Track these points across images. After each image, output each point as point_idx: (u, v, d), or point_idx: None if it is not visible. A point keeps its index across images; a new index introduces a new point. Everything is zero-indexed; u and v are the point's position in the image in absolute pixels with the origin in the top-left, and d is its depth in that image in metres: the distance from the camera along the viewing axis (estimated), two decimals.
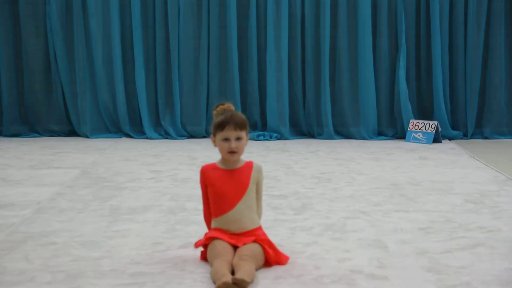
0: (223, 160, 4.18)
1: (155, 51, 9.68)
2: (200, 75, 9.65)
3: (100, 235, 4.77)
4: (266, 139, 9.44)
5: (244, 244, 4.05)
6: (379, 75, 9.68)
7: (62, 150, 8.56)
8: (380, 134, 9.77)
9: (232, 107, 4.23)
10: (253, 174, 4.17)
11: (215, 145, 4.15)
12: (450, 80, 9.74)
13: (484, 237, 4.72)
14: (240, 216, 4.13)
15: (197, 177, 6.67)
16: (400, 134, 9.68)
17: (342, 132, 9.74)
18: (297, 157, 8.02)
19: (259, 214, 4.24)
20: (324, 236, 4.73)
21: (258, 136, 9.49)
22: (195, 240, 4.61)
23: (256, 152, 8.36)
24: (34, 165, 7.48)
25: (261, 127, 9.75)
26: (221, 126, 4.08)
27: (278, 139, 9.54)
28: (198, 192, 6.01)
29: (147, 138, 9.57)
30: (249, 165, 4.19)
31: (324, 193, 6.10)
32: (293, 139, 9.58)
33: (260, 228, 4.20)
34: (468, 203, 5.74)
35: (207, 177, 4.18)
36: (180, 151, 8.47)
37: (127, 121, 9.69)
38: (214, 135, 4.13)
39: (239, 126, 4.08)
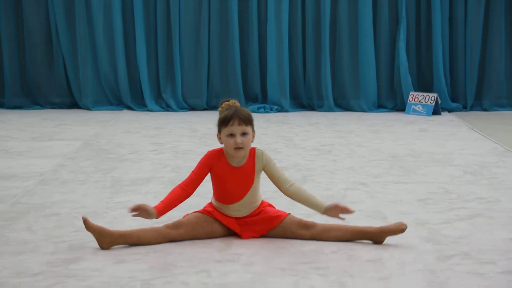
0: (230, 155, 4.09)
1: (156, 24, 9.68)
2: (201, 47, 9.65)
3: (102, 206, 4.80)
4: (266, 112, 9.46)
5: (252, 237, 4.08)
6: (379, 47, 9.69)
7: (64, 122, 8.59)
8: (380, 106, 9.79)
9: (237, 104, 4.11)
10: (257, 165, 4.08)
11: (221, 142, 4.08)
12: (450, 52, 9.74)
13: (482, 208, 4.76)
14: (243, 206, 4.09)
15: (198, 149, 6.73)
16: (400, 106, 9.70)
17: (342, 104, 9.76)
18: (297, 130, 8.04)
19: (295, 187, 4.09)
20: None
21: (259, 108, 9.51)
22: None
23: (256, 125, 8.29)
24: (36, 137, 7.52)
25: (261, 100, 9.77)
26: (225, 122, 4.00)
27: (278, 111, 9.56)
28: None
29: (148, 110, 9.60)
30: (252, 155, 4.09)
31: (324, 165, 6.13)
32: (294, 111, 9.60)
33: (260, 205, 4.16)
34: (467, 174, 5.78)
35: (214, 165, 4.09)
36: (181, 124, 8.49)
37: (128, 94, 9.71)
38: (219, 132, 4.06)
39: (244, 121, 4.01)
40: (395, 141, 7.32)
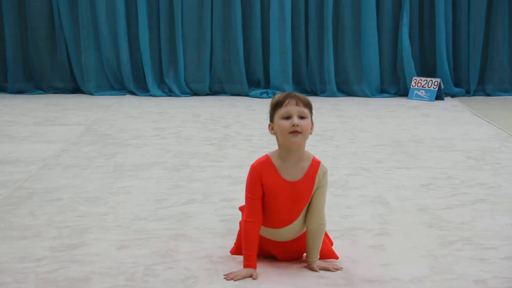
0: (283, 154, 3.37)
1: (158, 8, 9.66)
2: (204, 32, 9.63)
3: (105, 191, 4.81)
4: (269, 97, 9.45)
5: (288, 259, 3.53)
6: (382, 32, 9.66)
7: (66, 107, 8.59)
8: (382, 91, 9.77)
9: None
10: (316, 181, 3.38)
11: (273, 133, 3.37)
12: (453, 37, 9.72)
13: (485, 193, 4.76)
14: (293, 230, 3.46)
15: (200, 134, 6.73)
16: (402, 91, 9.69)
17: (345, 89, 9.75)
18: None
19: (321, 226, 3.42)
20: (327, 193, 4.76)
21: (262, 93, 9.50)
22: (198, 196, 4.66)
23: (259, 110, 8.38)
24: (39, 122, 7.52)
25: (264, 85, 9.75)
26: (279, 103, 3.31)
27: None
28: (201, 149, 6.06)
29: (151, 95, 9.59)
30: (314, 168, 3.38)
31: (327, 150, 6.13)
32: None
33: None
34: (469, 159, 5.78)
35: (263, 179, 3.35)
36: (183, 109, 8.49)
37: (131, 79, 9.70)
38: (272, 120, 3.36)
39: (302, 101, 3.32)
40: (398, 126, 7.31)
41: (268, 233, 3.46)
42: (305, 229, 3.46)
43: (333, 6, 9.55)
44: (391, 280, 3.25)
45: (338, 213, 4.30)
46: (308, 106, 3.34)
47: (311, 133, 3.36)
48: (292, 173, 3.36)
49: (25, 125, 7.32)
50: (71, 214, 4.29)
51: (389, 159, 5.80)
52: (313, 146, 6.23)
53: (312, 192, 3.39)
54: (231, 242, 3.77)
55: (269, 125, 3.39)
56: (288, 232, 3.46)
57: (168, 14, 9.65)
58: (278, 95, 3.37)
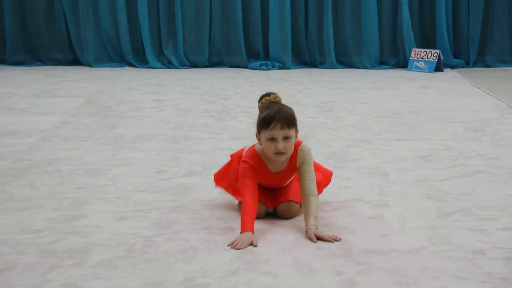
0: (267, 158, 3.68)
1: None
2: (203, 3, 9.60)
3: (105, 163, 4.82)
4: (268, 69, 9.43)
5: (280, 203, 3.78)
6: (381, 4, 9.63)
7: (65, 79, 8.58)
8: (382, 63, 9.76)
9: (279, 98, 3.68)
10: (298, 164, 3.68)
11: (260, 144, 3.64)
12: (453, 8, 9.69)
13: (484, 165, 4.77)
14: (281, 189, 3.87)
15: (200, 107, 6.74)
16: (402, 63, 9.67)
17: (344, 61, 9.73)
18: (299, 87, 8.04)
19: (313, 196, 3.61)
20: (326, 165, 4.76)
21: (261, 65, 9.48)
22: (198, 168, 4.68)
23: (258, 82, 8.37)
24: (38, 93, 7.52)
25: (263, 57, 9.73)
26: (265, 124, 3.53)
27: (280, 68, 9.53)
28: (200, 121, 6.07)
29: (150, 67, 9.57)
30: (295, 156, 3.66)
31: (326, 122, 6.13)
32: (296, 68, 9.58)
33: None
34: (468, 131, 5.78)
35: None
36: (182, 81, 8.48)
37: (130, 50, 9.68)
38: (259, 133, 3.60)
39: (287, 123, 3.53)
40: (397, 98, 7.31)
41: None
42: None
43: None
44: (390, 251, 3.27)
45: (337, 185, 4.31)
46: (293, 124, 3.56)
47: (297, 132, 3.61)
48: (277, 166, 3.69)
49: (24, 96, 7.32)
50: (71, 185, 4.30)
51: (388, 131, 5.80)
52: (312, 118, 6.24)
53: (295, 172, 3.72)
54: (230, 213, 3.79)
55: (256, 135, 3.63)
56: (276, 191, 3.84)
57: None
58: (266, 112, 3.56)
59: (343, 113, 6.51)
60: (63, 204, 3.95)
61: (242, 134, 5.60)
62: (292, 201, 3.78)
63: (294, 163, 3.68)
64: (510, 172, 4.60)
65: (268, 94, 3.69)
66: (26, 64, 9.72)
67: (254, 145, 3.75)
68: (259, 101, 3.72)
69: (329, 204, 3.95)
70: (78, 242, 3.38)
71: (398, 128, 5.91)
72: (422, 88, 7.95)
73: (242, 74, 9.02)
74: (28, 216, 3.75)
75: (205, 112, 6.54)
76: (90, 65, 9.64)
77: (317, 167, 3.92)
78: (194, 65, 9.73)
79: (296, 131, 3.60)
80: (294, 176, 3.81)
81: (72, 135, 5.63)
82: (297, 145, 3.66)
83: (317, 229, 3.48)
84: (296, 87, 7.99)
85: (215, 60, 9.78)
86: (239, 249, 3.31)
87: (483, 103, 6.99)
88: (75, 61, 9.84)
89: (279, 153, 3.54)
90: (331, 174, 4.02)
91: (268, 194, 3.84)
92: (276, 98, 3.66)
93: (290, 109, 3.61)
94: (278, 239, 3.43)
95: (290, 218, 3.75)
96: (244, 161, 3.68)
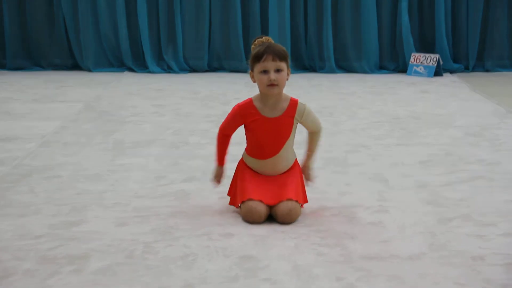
0: (263, 98, 3.82)
1: None
2: (202, 8, 9.61)
3: (104, 168, 4.82)
4: None
5: (280, 201, 3.77)
6: (381, 8, 9.64)
7: (65, 84, 8.58)
8: (381, 67, 9.76)
9: (271, 40, 3.84)
10: (296, 118, 3.83)
11: (254, 81, 3.82)
12: (452, 13, 9.69)
13: (483, 170, 4.77)
14: (279, 161, 3.87)
15: (200, 111, 6.74)
16: (401, 67, 9.68)
17: (344, 66, 9.74)
18: (299, 91, 8.03)
19: (309, 136, 4.00)
20: (326, 170, 4.78)
21: None
22: (197, 174, 4.67)
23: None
24: (37, 99, 7.52)
25: None
26: (258, 58, 3.73)
27: None
28: (201, 126, 6.07)
29: (149, 72, 9.58)
30: (292, 107, 3.82)
31: (326, 127, 6.11)
32: (295, 73, 9.58)
33: (295, 162, 3.97)
34: (468, 136, 5.78)
35: (247, 121, 3.86)
36: (182, 85, 8.49)
37: (129, 55, 9.69)
38: (252, 69, 3.79)
39: (278, 56, 3.72)
40: (397, 102, 7.31)
41: (255, 164, 3.92)
42: (290, 165, 3.91)
43: None
44: (389, 257, 3.27)
45: (336, 190, 4.31)
46: (284, 58, 3.75)
47: (287, 79, 3.78)
48: (272, 112, 3.81)
49: (24, 102, 7.32)
50: (71, 191, 4.30)
51: (388, 136, 5.80)
52: None
53: (293, 127, 3.85)
54: (230, 219, 3.79)
55: (250, 73, 3.83)
56: (273, 164, 3.88)
57: None
58: (258, 48, 3.77)
59: (343, 118, 6.51)
60: (62, 210, 3.95)
61: (242, 139, 5.57)
62: (292, 200, 3.77)
63: (292, 113, 3.82)
64: (510, 178, 4.60)
65: (260, 37, 3.87)
66: (25, 69, 9.73)
67: None
68: (252, 44, 3.87)
69: (328, 210, 3.94)
70: (77, 248, 3.38)
71: (398, 133, 5.91)
72: (422, 92, 7.95)
73: (242, 79, 9.02)
74: (27, 222, 3.75)
75: (205, 117, 6.54)
76: (89, 70, 9.65)
77: (303, 190, 3.96)
78: (194, 70, 9.74)
79: (288, 68, 3.78)
80: (291, 133, 3.86)
81: (71, 140, 5.63)
82: (295, 99, 3.85)
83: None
84: (296, 92, 7.98)
85: (215, 65, 9.79)
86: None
87: (483, 108, 6.99)
88: (75, 66, 9.84)
89: (271, 84, 3.72)
90: (306, 202, 3.96)
91: (267, 192, 3.84)
92: (268, 40, 3.83)
93: (281, 46, 3.80)
94: (278, 245, 3.43)
95: (291, 222, 3.74)
96: (234, 108, 3.92)
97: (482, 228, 3.66)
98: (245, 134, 3.94)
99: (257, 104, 3.84)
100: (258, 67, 3.74)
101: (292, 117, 3.82)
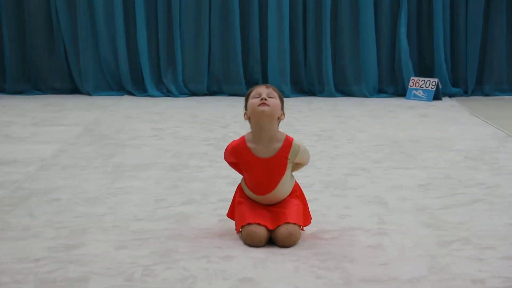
0: (256, 133, 3.79)
1: (156, 9, 9.65)
2: (202, 32, 9.63)
3: (103, 191, 4.82)
4: None
5: (280, 225, 3.75)
6: (380, 32, 9.67)
7: (64, 107, 8.59)
8: (380, 91, 9.78)
9: (271, 87, 3.85)
10: (290, 158, 3.80)
11: (246, 118, 3.82)
12: (451, 37, 9.72)
13: (483, 193, 4.77)
14: (275, 197, 3.86)
15: (199, 135, 6.74)
16: (400, 91, 9.68)
17: (343, 90, 9.75)
18: (298, 115, 8.05)
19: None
20: (325, 193, 4.78)
21: None
22: (197, 197, 4.67)
23: None
24: (37, 122, 7.52)
25: None
26: (251, 90, 3.81)
27: None
28: (199, 149, 6.07)
29: (149, 96, 9.59)
30: (286, 147, 3.78)
31: (325, 151, 6.13)
32: (294, 96, 9.59)
33: (294, 189, 3.94)
34: (467, 159, 5.78)
35: (239, 160, 3.84)
36: (182, 109, 8.50)
37: (129, 79, 9.70)
38: (246, 107, 3.80)
39: (271, 87, 3.79)
40: (396, 126, 7.32)
41: (253, 196, 3.89)
42: (288, 193, 3.89)
43: (331, 6, 9.55)
44: (389, 280, 3.26)
45: (336, 213, 4.31)
46: (277, 92, 3.79)
47: (282, 119, 3.81)
48: (265, 152, 3.78)
49: (23, 125, 7.33)
50: (70, 214, 4.30)
51: (387, 159, 5.80)
52: (311, 146, 6.24)
53: (286, 170, 3.80)
54: (229, 242, 3.78)
55: (244, 113, 3.83)
56: (270, 199, 3.87)
57: (166, 15, 9.65)
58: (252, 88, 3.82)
59: (342, 141, 6.52)
60: (62, 233, 3.95)
61: None
62: (290, 223, 3.76)
63: (286, 154, 3.78)
64: (509, 201, 4.60)
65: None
66: (25, 93, 9.73)
67: None
68: (248, 90, 3.90)
69: (328, 233, 3.94)
70: (76, 271, 3.37)
71: (397, 156, 5.91)
72: (421, 116, 7.96)
73: (241, 103, 8.89)
74: (26, 245, 3.74)
75: (204, 140, 6.54)
76: (89, 94, 9.65)
77: (304, 204, 3.96)
78: (193, 94, 9.75)
79: (282, 107, 3.80)
80: (286, 171, 3.82)
81: (71, 163, 5.63)
82: (290, 138, 3.81)
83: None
84: (295, 116, 7.99)
85: (214, 88, 9.80)
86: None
87: (482, 131, 7.00)
88: (74, 90, 9.85)
89: (263, 104, 3.70)
90: (311, 219, 3.99)
91: (267, 215, 3.84)
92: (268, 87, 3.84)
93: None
94: (277, 268, 3.42)
95: (291, 246, 3.73)
96: (227, 149, 3.89)
97: (482, 251, 3.66)
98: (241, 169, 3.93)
99: (250, 144, 3.81)
100: (251, 95, 3.78)
101: (286, 157, 3.79)
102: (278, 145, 3.79)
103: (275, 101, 3.75)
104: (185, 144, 6.37)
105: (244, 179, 3.93)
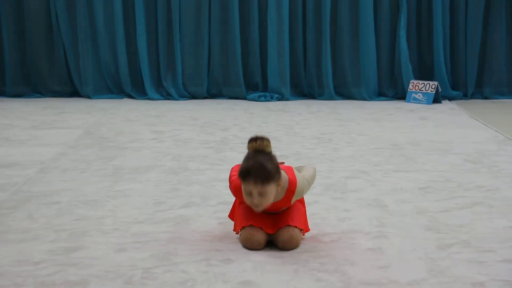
0: None
1: (156, 12, 9.65)
2: (201, 35, 9.64)
3: (103, 194, 4.82)
4: (267, 100, 9.45)
5: (280, 228, 3.76)
6: (380, 35, 9.67)
7: (64, 110, 8.59)
8: (380, 94, 9.78)
9: (267, 144, 3.59)
10: (293, 200, 3.76)
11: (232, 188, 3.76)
12: (450, 40, 9.72)
13: (482, 196, 4.77)
14: (278, 215, 3.86)
15: (199, 138, 6.74)
16: (400, 94, 9.69)
17: (343, 93, 9.75)
18: (298, 118, 8.05)
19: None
20: (325, 196, 4.78)
21: (259, 97, 9.50)
22: (197, 200, 4.67)
23: (257, 113, 8.38)
24: (37, 125, 7.52)
25: (262, 88, 9.75)
26: (242, 177, 3.54)
27: (279, 100, 9.54)
28: (199, 152, 6.08)
29: (149, 99, 9.59)
30: (290, 193, 3.70)
31: (325, 154, 6.14)
32: (294, 100, 9.59)
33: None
34: (467, 162, 5.79)
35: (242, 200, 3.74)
36: (181, 112, 8.50)
37: (129, 82, 9.70)
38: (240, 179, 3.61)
39: (261, 180, 3.50)
40: (396, 129, 7.32)
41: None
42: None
43: (330, 9, 9.56)
44: (389, 283, 3.26)
45: (335, 216, 4.31)
46: (267, 181, 3.50)
47: (280, 185, 3.59)
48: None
49: (23, 128, 7.33)
50: (70, 217, 4.30)
51: (387, 162, 5.80)
52: (311, 149, 6.24)
53: (290, 204, 3.78)
54: (229, 245, 3.78)
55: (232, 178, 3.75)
56: (276, 215, 3.83)
57: (166, 18, 9.65)
58: (245, 164, 3.53)
59: (342, 144, 6.52)
60: (61, 236, 3.95)
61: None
62: (291, 226, 3.76)
63: (290, 197, 3.72)
64: (509, 204, 4.60)
65: (255, 139, 3.60)
66: (25, 96, 9.73)
67: None
68: (248, 143, 3.63)
69: (327, 236, 3.94)
70: (76, 274, 3.37)
71: (397, 159, 5.91)
72: (421, 119, 7.96)
73: (241, 106, 9.03)
74: (26, 248, 3.74)
75: (204, 143, 6.55)
76: (89, 97, 9.65)
77: (305, 218, 3.93)
78: (193, 97, 9.75)
79: (278, 184, 3.56)
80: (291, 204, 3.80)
81: (70, 166, 5.64)
82: (293, 184, 3.68)
83: None
84: (295, 119, 8.00)
85: (214, 91, 9.80)
86: None
87: (482, 134, 7.00)
88: (74, 93, 9.85)
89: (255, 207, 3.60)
90: (308, 231, 3.93)
91: (268, 217, 3.84)
92: (261, 145, 3.57)
93: (271, 161, 3.54)
94: (277, 271, 3.42)
95: (292, 249, 3.73)
96: (232, 187, 3.76)
97: (482, 254, 3.66)
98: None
99: None
100: (243, 186, 3.56)
101: (289, 200, 3.74)
102: (281, 195, 3.70)
103: (268, 198, 3.56)
104: (184, 147, 6.37)
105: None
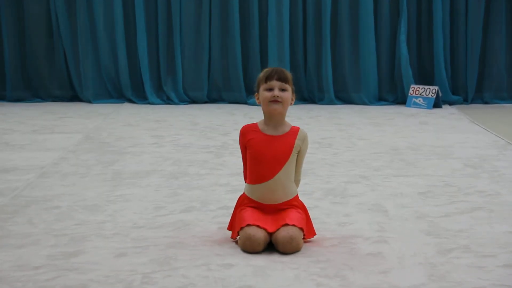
0: (266, 120, 3.91)
1: (156, 16, 9.67)
2: (202, 40, 9.65)
3: (103, 199, 4.81)
4: None
5: (277, 228, 3.77)
6: (380, 40, 9.68)
7: (65, 115, 8.59)
8: (380, 99, 9.78)
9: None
10: (297, 142, 3.88)
11: (258, 102, 3.94)
12: (451, 45, 9.73)
13: (483, 201, 4.77)
14: (277, 186, 3.86)
15: (199, 142, 6.74)
16: (400, 99, 9.69)
17: (343, 97, 9.75)
18: (298, 123, 8.04)
19: (296, 181, 3.96)
20: (325, 201, 4.78)
21: None
22: (197, 205, 4.67)
23: (257, 117, 8.35)
24: (37, 130, 7.52)
25: None
26: (264, 78, 3.89)
27: None
28: (199, 157, 6.07)
29: (149, 103, 9.59)
30: (294, 132, 3.90)
31: (325, 158, 6.13)
32: (294, 104, 9.49)
33: (296, 198, 3.94)
34: (467, 167, 5.78)
35: (247, 138, 3.90)
36: (181, 117, 8.50)
37: (129, 87, 9.71)
38: (258, 91, 3.93)
39: (283, 78, 3.87)
40: (396, 134, 7.32)
41: (254, 192, 3.90)
42: (289, 196, 3.90)
43: (331, 14, 9.57)
44: (389, 287, 3.26)
45: (336, 221, 4.31)
46: (288, 80, 3.91)
47: (292, 103, 3.94)
48: (273, 131, 3.90)
49: (23, 133, 7.33)
50: (70, 222, 4.29)
51: (387, 167, 5.80)
52: (311, 154, 6.24)
53: (291, 154, 3.87)
54: (229, 249, 3.78)
55: (256, 95, 3.98)
56: (271, 189, 3.86)
57: (166, 22, 9.66)
58: (265, 71, 3.95)
59: (342, 149, 6.52)
60: (61, 241, 3.94)
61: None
62: (290, 225, 3.76)
63: (293, 137, 3.90)
64: (509, 209, 4.60)
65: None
66: (25, 101, 9.74)
67: None
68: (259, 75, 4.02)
69: (328, 240, 3.93)
70: (76, 279, 3.36)
71: (397, 164, 5.91)
72: (421, 124, 7.96)
73: (241, 110, 9.04)
74: (26, 253, 3.74)
75: (204, 148, 6.54)
76: (89, 101, 9.66)
77: (308, 219, 3.94)
78: (193, 101, 9.76)
79: (293, 93, 3.95)
80: (290, 157, 3.87)
81: (71, 171, 5.63)
82: (297, 128, 3.96)
83: None
84: (295, 123, 7.94)
85: (214, 96, 9.81)
86: None
87: (482, 139, 7.00)
88: (75, 98, 9.86)
89: (275, 100, 3.84)
90: (314, 235, 3.95)
91: (267, 219, 3.84)
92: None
93: (287, 70, 3.97)
94: (277, 276, 3.41)
95: (292, 251, 3.73)
96: (240, 130, 3.99)
97: (482, 259, 3.65)
98: (247, 161, 3.95)
99: (260, 125, 3.94)
100: (264, 86, 3.88)
101: (294, 138, 3.90)
102: (287, 128, 3.92)
103: (287, 95, 3.89)
104: (185, 152, 6.37)
105: (247, 177, 3.97)
